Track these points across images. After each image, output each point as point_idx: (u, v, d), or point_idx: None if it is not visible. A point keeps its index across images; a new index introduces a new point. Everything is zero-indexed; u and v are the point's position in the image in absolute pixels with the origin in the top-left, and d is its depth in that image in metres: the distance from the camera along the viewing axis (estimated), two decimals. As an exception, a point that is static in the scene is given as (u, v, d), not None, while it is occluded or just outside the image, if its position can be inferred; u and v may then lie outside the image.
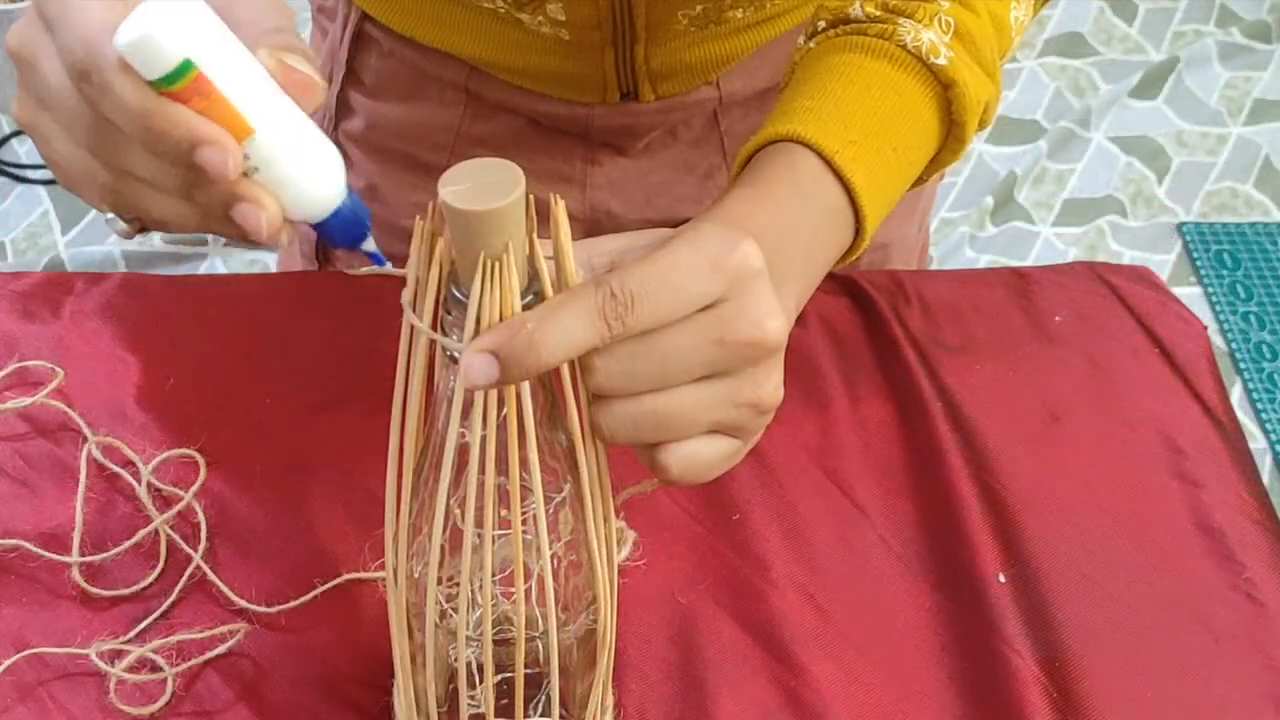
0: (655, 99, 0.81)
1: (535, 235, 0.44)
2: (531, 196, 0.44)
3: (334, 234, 0.46)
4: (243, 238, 0.44)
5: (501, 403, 0.44)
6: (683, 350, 0.46)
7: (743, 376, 0.48)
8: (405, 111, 0.85)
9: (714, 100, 0.83)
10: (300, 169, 0.44)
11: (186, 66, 0.40)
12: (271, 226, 0.43)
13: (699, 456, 0.48)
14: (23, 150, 2.00)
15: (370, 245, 0.47)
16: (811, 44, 0.66)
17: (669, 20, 0.75)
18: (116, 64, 0.41)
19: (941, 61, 0.62)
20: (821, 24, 0.66)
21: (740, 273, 0.47)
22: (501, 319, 0.43)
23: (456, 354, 0.44)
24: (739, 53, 0.80)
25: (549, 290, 0.44)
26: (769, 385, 0.49)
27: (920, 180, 0.66)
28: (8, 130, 2.00)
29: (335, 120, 0.88)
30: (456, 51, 0.80)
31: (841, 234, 0.60)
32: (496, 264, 0.42)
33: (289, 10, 0.47)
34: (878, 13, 0.64)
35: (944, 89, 0.63)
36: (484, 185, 0.42)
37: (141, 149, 0.44)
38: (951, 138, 0.65)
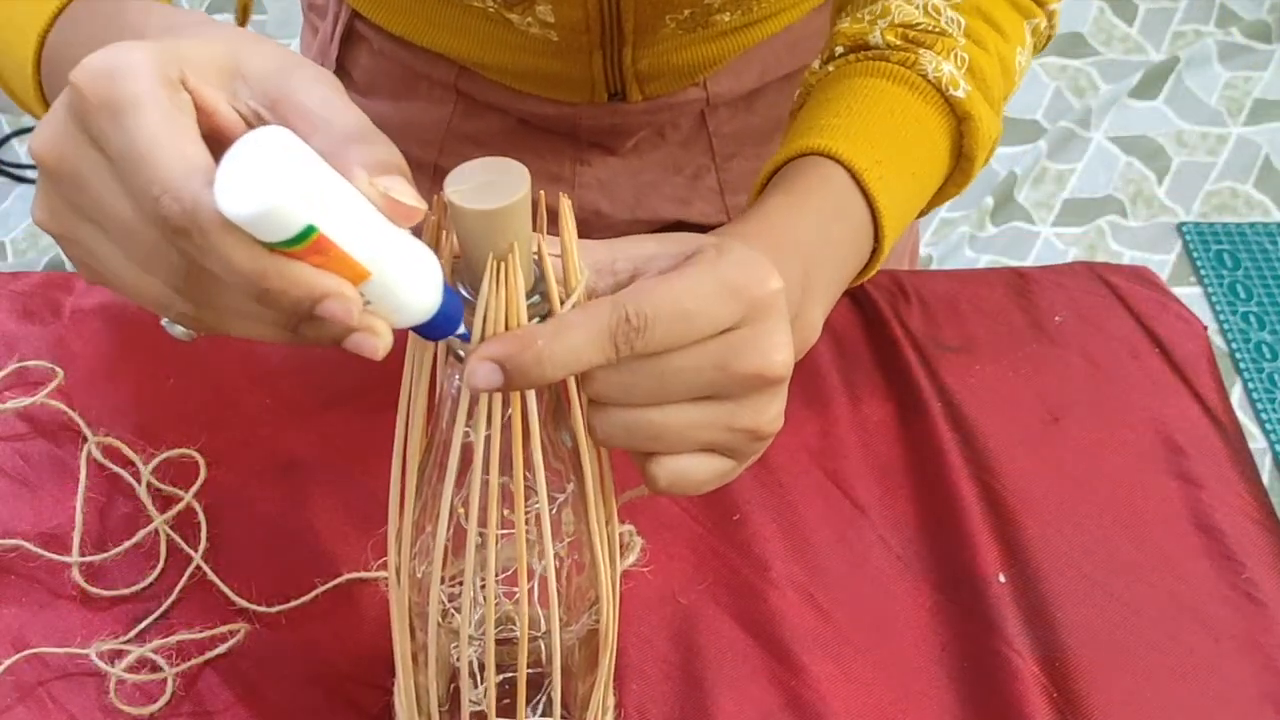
0: (643, 100, 0.81)
1: (544, 234, 0.44)
2: (542, 193, 0.43)
3: (431, 332, 0.44)
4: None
5: (506, 403, 0.44)
6: (684, 371, 0.46)
7: (743, 403, 0.47)
8: (395, 109, 0.85)
9: (701, 101, 0.83)
10: (408, 292, 0.42)
11: (309, 231, 0.38)
12: (386, 350, 0.42)
13: (689, 472, 0.48)
14: (23, 150, 2.00)
15: (460, 329, 0.45)
16: (829, 68, 0.67)
17: (656, 24, 0.75)
18: (220, 224, 0.37)
19: (960, 94, 0.63)
20: (839, 49, 0.67)
21: (760, 303, 0.46)
22: (507, 318, 0.43)
23: (462, 351, 0.44)
24: (726, 55, 0.80)
25: (554, 291, 0.44)
26: (769, 414, 0.48)
27: (923, 211, 0.67)
28: (8, 130, 2.00)
29: None
30: (446, 51, 0.80)
31: (863, 251, 0.61)
32: (502, 264, 0.42)
33: (353, 106, 0.44)
34: (898, 42, 0.65)
35: (959, 121, 0.64)
36: (489, 184, 0.42)
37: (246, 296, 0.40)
38: (959, 170, 0.66)
